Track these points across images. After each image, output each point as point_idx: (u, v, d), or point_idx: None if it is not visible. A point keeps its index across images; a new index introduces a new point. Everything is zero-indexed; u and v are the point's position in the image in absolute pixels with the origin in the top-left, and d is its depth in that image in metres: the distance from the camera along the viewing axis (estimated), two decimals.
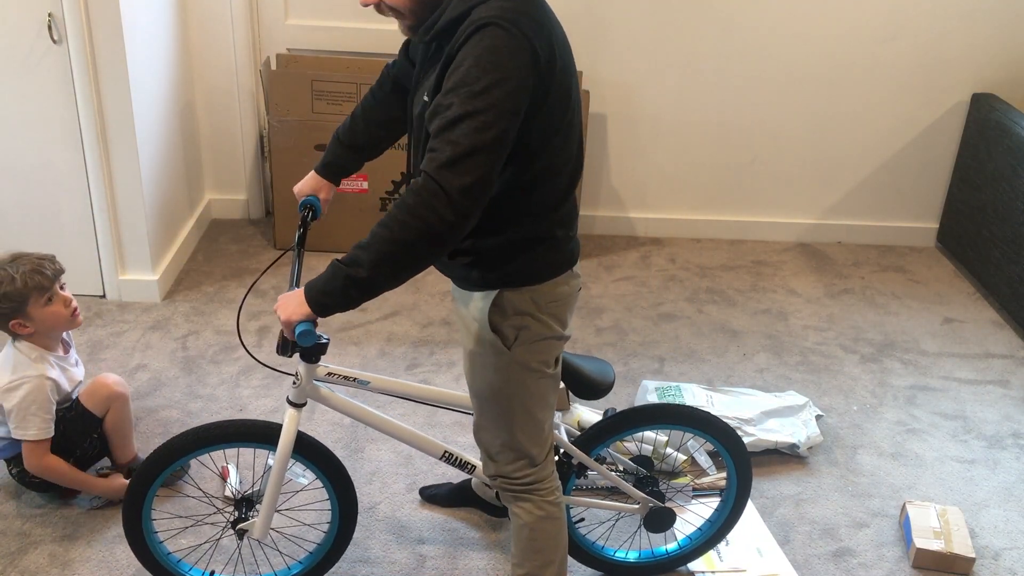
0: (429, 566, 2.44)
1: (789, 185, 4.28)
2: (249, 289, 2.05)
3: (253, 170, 4.15)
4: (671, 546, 2.47)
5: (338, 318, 3.47)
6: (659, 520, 2.35)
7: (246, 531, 2.17)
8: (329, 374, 2.08)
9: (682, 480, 2.73)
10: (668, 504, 2.37)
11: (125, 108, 3.24)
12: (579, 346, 3.44)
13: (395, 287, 1.66)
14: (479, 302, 1.86)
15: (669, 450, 2.79)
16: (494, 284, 1.84)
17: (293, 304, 1.72)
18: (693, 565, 2.48)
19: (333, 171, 2.15)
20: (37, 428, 2.41)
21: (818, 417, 3.06)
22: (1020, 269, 3.66)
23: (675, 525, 2.41)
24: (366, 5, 1.74)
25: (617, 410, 2.92)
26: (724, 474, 2.80)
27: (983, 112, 4.00)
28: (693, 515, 2.56)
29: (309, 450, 2.15)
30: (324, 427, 2.91)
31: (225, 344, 3.29)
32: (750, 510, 2.69)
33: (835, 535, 2.64)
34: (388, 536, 2.53)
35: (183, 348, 3.28)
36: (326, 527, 2.34)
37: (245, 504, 2.22)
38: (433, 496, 2.66)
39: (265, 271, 2.32)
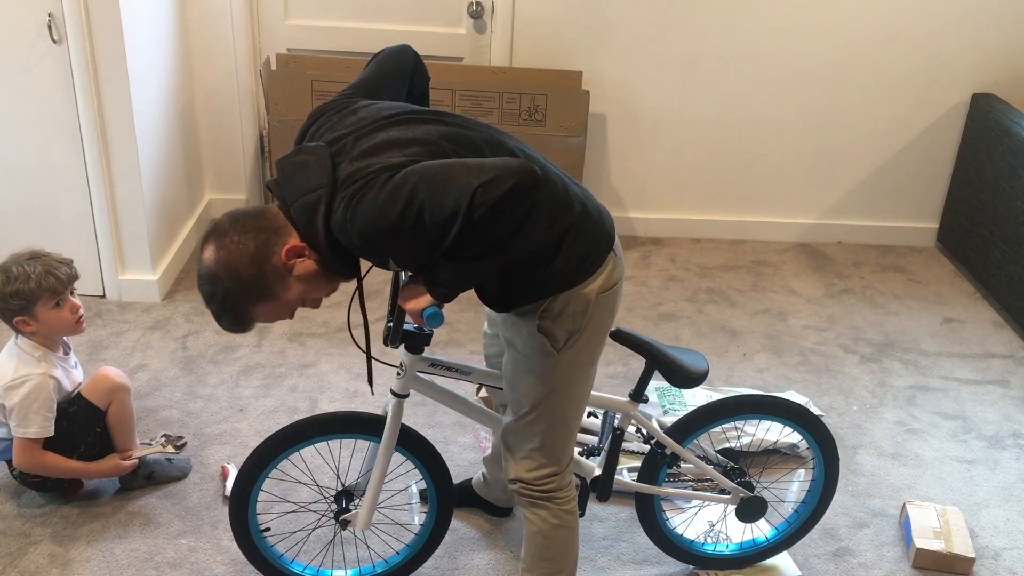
0: (429, 566, 2.44)
1: (789, 185, 4.28)
2: (355, 292, 2.03)
3: (253, 170, 4.15)
4: (769, 533, 2.49)
5: (338, 318, 3.47)
6: (751, 509, 2.38)
7: (349, 522, 2.20)
8: (433, 364, 2.09)
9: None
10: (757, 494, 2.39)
11: (125, 108, 3.24)
12: None
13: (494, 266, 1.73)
14: (528, 312, 1.86)
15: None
16: (547, 295, 1.83)
17: (417, 292, 1.76)
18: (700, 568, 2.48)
19: None
20: (38, 426, 2.41)
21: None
22: (1020, 269, 3.66)
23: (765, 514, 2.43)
24: (318, 307, 1.88)
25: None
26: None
27: (983, 112, 4.00)
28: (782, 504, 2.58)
29: (411, 442, 2.17)
30: None
31: (225, 344, 3.29)
32: None
33: (835, 535, 2.64)
34: (389, 536, 2.53)
35: (183, 348, 3.28)
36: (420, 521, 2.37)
37: (345, 496, 2.24)
38: None
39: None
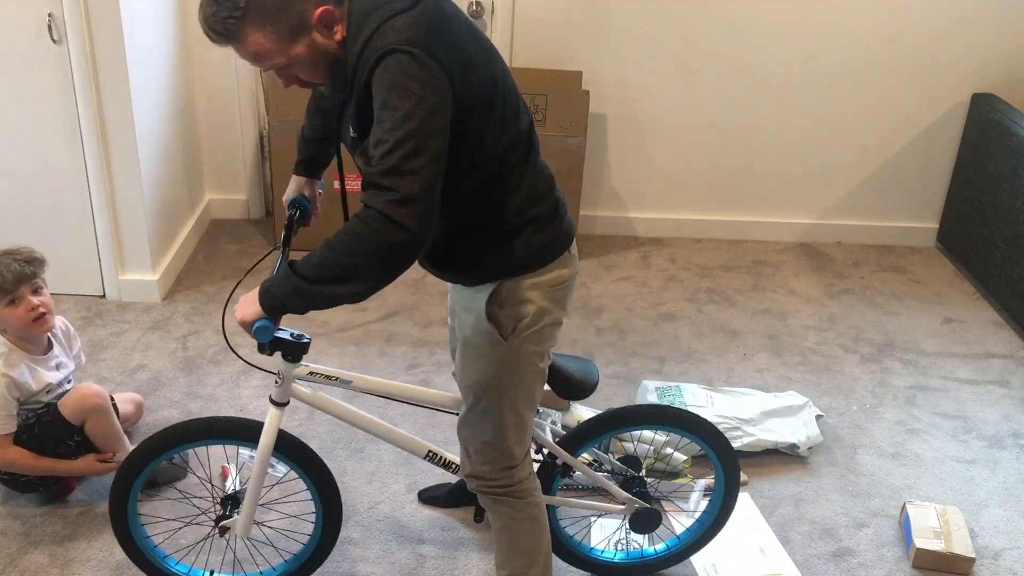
0: (429, 566, 2.44)
1: (789, 185, 4.28)
2: (233, 289, 2.04)
3: (253, 170, 4.15)
4: (658, 547, 2.46)
5: (337, 318, 3.47)
6: (644, 521, 2.34)
7: (229, 528, 2.17)
8: (311, 373, 2.08)
9: (683, 480, 2.74)
10: (655, 506, 2.35)
11: (125, 108, 3.24)
12: (579, 346, 3.44)
13: (342, 304, 1.69)
14: (477, 294, 1.87)
15: (669, 450, 2.79)
16: (493, 277, 1.85)
17: (247, 303, 1.76)
18: None
19: (307, 166, 2.19)
20: None
21: (818, 417, 3.06)
22: (1020, 269, 3.66)
23: (663, 526, 2.40)
24: (287, 86, 1.77)
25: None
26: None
27: (983, 112, 4.00)
28: (682, 516, 2.56)
29: (291, 449, 2.14)
30: (324, 427, 2.91)
31: (225, 344, 3.29)
32: (752, 509, 2.69)
33: (835, 535, 2.64)
34: (388, 536, 2.53)
35: (183, 348, 3.28)
36: (311, 523, 2.34)
37: (231, 502, 2.21)
38: (432, 498, 2.66)
39: (250, 270, 2.32)
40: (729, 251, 4.25)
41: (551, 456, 2.25)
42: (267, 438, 2.05)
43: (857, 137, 4.18)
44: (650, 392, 3.02)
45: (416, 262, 1.77)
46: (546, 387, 2.98)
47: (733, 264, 4.14)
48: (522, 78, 3.85)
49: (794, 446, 2.88)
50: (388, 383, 2.16)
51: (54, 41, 3.11)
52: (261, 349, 1.84)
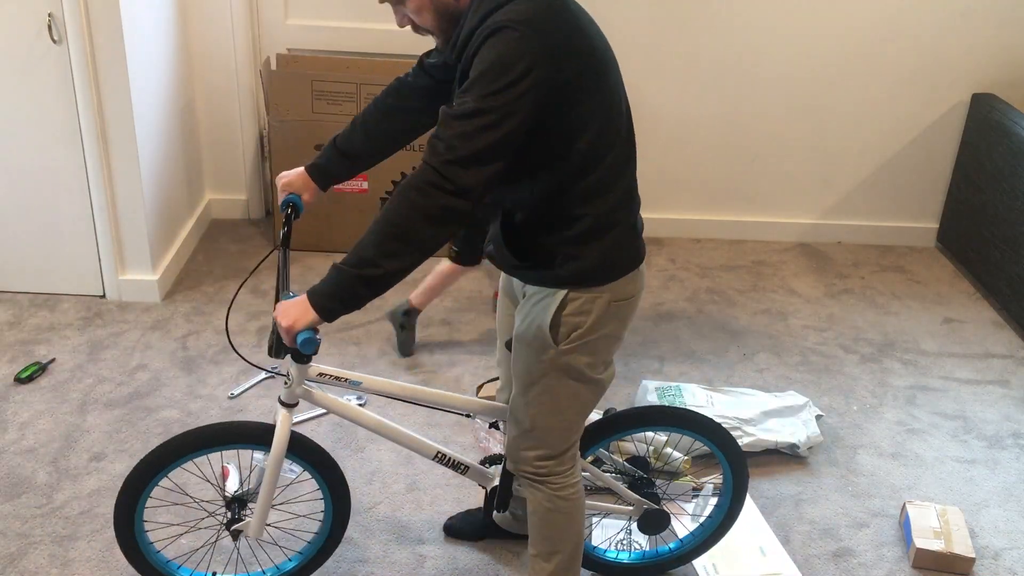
0: (429, 566, 2.44)
1: (789, 185, 4.28)
2: (238, 290, 2.04)
3: (253, 170, 4.15)
4: (672, 543, 2.47)
5: (338, 319, 3.46)
6: (653, 522, 2.34)
7: (241, 531, 2.16)
8: (320, 375, 2.08)
9: (684, 480, 2.74)
10: (663, 506, 2.36)
11: (125, 108, 3.24)
12: None
13: (403, 278, 1.71)
14: (543, 298, 1.87)
15: (669, 450, 2.79)
16: (566, 282, 1.85)
17: (297, 311, 1.75)
18: None
19: (324, 175, 2.13)
20: None
21: (818, 417, 3.06)
22: (1020, 269, 3.66)
23: (671, 525, 2.40)
24: (402, 26, 1.81)
25: (617, 410, 2.93)
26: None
27: (983, 112, 4.00)
28: (689, 516, 2.56)
29: (303, 449, 2.15)
30: (326, 426, 2.92)
31: (225, 344, 3.29)
32: (752, 509, 2.69)
33: (835, 535, 2.64)
34: (388, 536, 2.53)
35: (183, 348, 3.28)
36: (319, 520, 2.34)
37: (237, 504, 2.21)
38: (459, 531, 2.57)
39: (254, 270, 2.32)
40: (729, 251, 4.25)
41: None
42: (280, 440, 2.05)
43: (857, 137, 4.18)
44: (650, 392, 3.02)
45: (492, 259, 1.84)
46: None
47: (733, 264, 4.14)
48: None
49: (794, 446, 2.88)
50: (397, 384, 2.16)
51: (54, 41, 3.11)
52: (272, 352, 1.84)
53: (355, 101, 3.73)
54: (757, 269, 4.10)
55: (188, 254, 3.88)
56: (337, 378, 2.09)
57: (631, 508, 2.35)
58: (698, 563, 2.49)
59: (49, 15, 3.06)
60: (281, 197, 2.14)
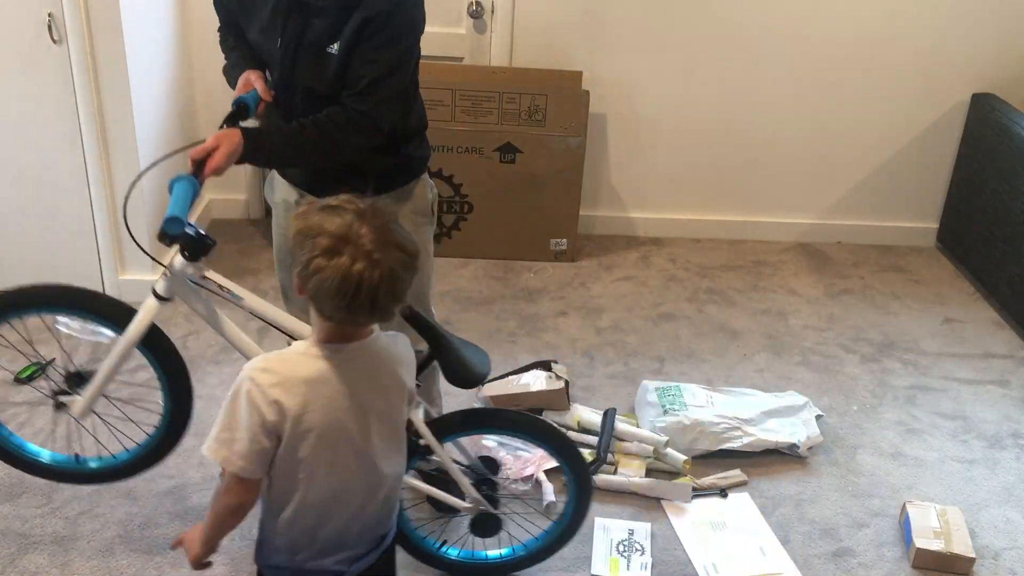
0: (428, 568, 2.44)
1: (789, 185, 4.28)
2: (141, 175, 2.09)
3: (252, 170, 4.15)
4: (504, 550, 2.39)
5: None
6: (484, 525, 2.29)
7: (65, 405, 2.12)
8: (204, 277, 2.07)
9: (684, 480, 2.74)
10: (500, 512, 2.29)
11: (125, 108, 3.23)
12: (579, 346, 3.44)
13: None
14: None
15: (669, 450, 2.79)
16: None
17: (232, 137, 2.14)
18: None
19: (252, 61, 2.25)
20: None
21: (818, 417, 3.06)
22: (1020, 269, 3.66)
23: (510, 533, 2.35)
24: None
25: (616, 410, 2.94)
26: (725, 473, 2.80)
27: (983, 112, 4.00)
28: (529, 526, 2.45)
29: (156, 344, 2.10)
30: None
31: (226, 344, 3.27)
32: (752, 509, 2.69)
33: (835, 535, 2.64)
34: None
35: (183, 348, 3.27)
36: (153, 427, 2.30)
37: (76, 379, 2.13)
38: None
39: (167, 156, 2.39)
40: (729, 251, 4.25)
41: (416, 435, 2.15)
42: (138, 327, 2.00)
43: (857, 137, 4.18)
44: (650, 392, 3.02)
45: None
46: (537, 386, 2.96)
47: (733, 264, 4.14)
48: (522, 78, 3.86)
49: (794, 446, 2.88)
50: (279, 312, 2.15)
51: (54, 41, 3.11)
52: (162, 238, 1.87)
53: None
54: (757, 269, 4.10)
55: None
56: (221, 286, 2.09)
57: (468, 505, 2.27)
58: (698, 563, 2.49)
59: (49, 15, 3.06)
60: (238, 95, 2.21)
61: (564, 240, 4.01)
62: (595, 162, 4.17)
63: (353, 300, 1.49)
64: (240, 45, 2.29)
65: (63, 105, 3.21)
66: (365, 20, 2.02)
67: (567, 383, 3.01)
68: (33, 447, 2.38)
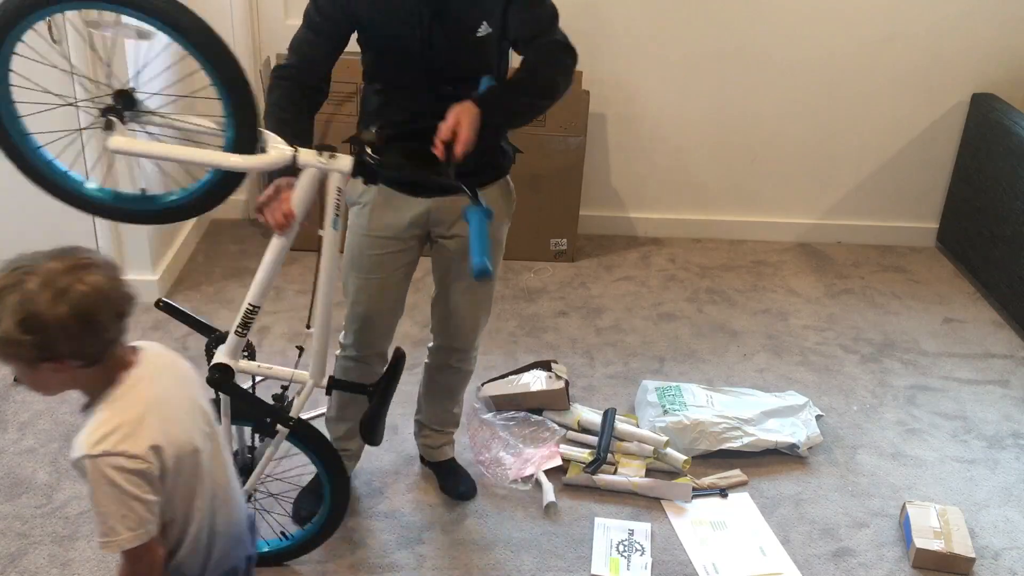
0: (428, 566, 2.44)
1: (789, 185, 4.28)
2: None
3: None
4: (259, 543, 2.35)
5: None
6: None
7: (115, 122, 1.92)
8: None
9: (684, 480, 2.74)
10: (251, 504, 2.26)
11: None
12: (579, 346, 3.44)
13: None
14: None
15: (669, 450, 2.79)
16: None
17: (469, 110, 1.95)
18: None
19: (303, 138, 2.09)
20: None
21: (818, 417, 3.06)
22: (1020, 269, 3.66)
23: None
24: None
25: (616, 410, 2.94)
26: (725, 473, 2.80)
27: (983, 112, 4.00)
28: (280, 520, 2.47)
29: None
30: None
31: None
32: (752, 509, 2.69)
33: (835, 535, 2.64)
34: (388, 536, 2.53)
35: (183, 348, 3.28)
36: None
37: (125, 98, 1.92)
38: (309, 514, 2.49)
39: None
40: (729, 251, 4.25)
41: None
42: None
43: (857, 137, 4.18)
44: (650, 392, 3.02)
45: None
46: (537, 386, 2.97)
47: (733, 264, 4.14)
48: None
49: (794, 446, 2.88)
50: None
51: (54, 41, 3.11)
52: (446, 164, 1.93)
53: (355, 101, 3.73)
54: (757, 269, 4.10)
55: (188, 254, 3.87)
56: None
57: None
58: (698, 563, 2.49)
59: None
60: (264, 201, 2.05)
61: (564, 240, 4.01)
62: (595, 162, 4.17)
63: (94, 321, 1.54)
64: (300, 118, 2.18)
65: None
66: None
67: (567, 383, 3.01)
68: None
